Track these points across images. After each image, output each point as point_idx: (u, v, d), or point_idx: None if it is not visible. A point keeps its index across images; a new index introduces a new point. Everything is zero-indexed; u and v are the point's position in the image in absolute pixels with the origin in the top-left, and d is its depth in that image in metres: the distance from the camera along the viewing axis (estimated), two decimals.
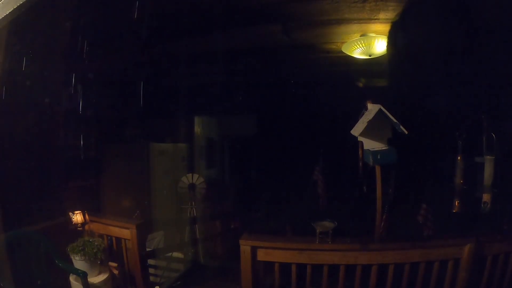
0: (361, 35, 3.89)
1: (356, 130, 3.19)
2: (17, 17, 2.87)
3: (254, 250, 3.27)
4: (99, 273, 3.78)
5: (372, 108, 3.17)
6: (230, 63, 4.68)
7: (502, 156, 3.22)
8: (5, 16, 2.76)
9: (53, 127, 4.21)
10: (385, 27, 3.78)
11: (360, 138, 3.18)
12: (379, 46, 3.88)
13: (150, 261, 4.35)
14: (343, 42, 4.06)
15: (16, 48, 3.41)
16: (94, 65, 4.21)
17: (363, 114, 3.26)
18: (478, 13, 3.36)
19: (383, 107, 3.12)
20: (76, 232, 3.98)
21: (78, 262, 3.66)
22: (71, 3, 3.57)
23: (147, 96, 4.87)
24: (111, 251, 4.11)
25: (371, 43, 3.88)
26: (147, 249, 4.27)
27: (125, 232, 3.98)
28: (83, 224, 4.05)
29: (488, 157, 3.23)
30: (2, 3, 2.70)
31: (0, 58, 3.26)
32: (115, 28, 3.92)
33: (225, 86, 4.87)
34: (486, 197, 3.21)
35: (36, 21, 3.26)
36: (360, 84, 4.50)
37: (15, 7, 2.72)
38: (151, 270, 4.38)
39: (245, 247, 3.28)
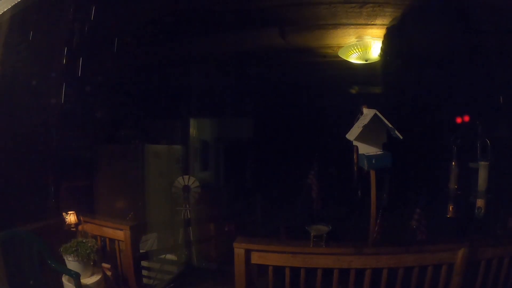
0: (357, 40, 3.92)
1: (352, 135, 3.20)
2: (16, 14, 2.88)
3: (248, 253, 3.27)
4: (92, 274, 3.76)
5: (368, 113, 3.19)
6: (226, 66, 4.70)
7: (496, 162, 3.25)
8: (4, 12, 2.76)
9: (48, 126, 4.19)
10: (382, 32, 3.80)
11: (355, 143, 3.19)
12: (375, 51, 3.91)
13: (144, 263, 4.34)
14: (339, 47, 4.08)
15: (14, 45, 3.40)
16: (91, 66, 4.21)
17: (358, 118, 3.27)
18: (474, 19, 3.40)
19: (378, 112, 3.13)
20: (69, 232, 3.97)
21: (71, 263, 3.64)
22: (70, 2, 3.56)
23: (142, 98, 4.87)
24: (105, 252, 4.09)
25: (367, 48, 3.90)
26: (141, 251, 4.25)
27: (119, 234, 3.97)
28: (77, 224, 4.03)
29: (482, 162, 3.26)
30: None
31: None
32: (111, 29, 3.92)
33: (221, 88, 4.88)
34: (480, 202, 3.24)
35: (33, 19, 3.26)
36: (353, 91, 4.52)
37: (15, 3, 2.72)
38: (144, 272, 4.36)
39: (239, 250, 3.27)
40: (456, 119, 3.70)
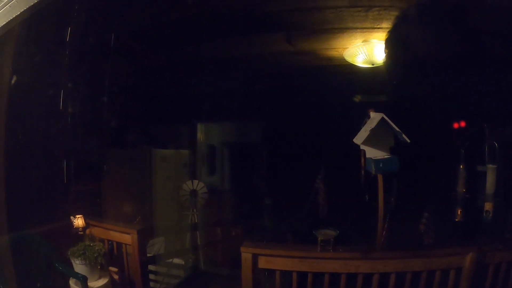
0: (363, 44, 3.91)
1: (359, 139, 3.20)
2: (23, 21, 2.92)
3: (255, 257, 3.26)
4: (99, 278, 3.79)
5: (375, 117, 3.18)
6: (233, 71, 4.71)
7: (504, 164, 3.23)
8: (12, 19, 2.80)
9: (56, 131, 4.23)
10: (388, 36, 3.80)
11: (362, 147, 3.18)
12: (381, 54, 3.90)
13: (151, 267, 4.34)
14: (345, 50, 4.08)
15: (22, 51, 3.45)
16: (98, 70, 4.24)
17: (365, 122, 3.26)
18: (480, 21, 3.39)
19: (386, 115, 3.13)
20: (77, 236, 4.00)
21: (79, 266, 3.66)
22: (78, 8, 3.60)
23: (150, 102, 4.90)
24: (112, 256, 4.11)
25: (373, 51, 3.90)
26: (148, 255, 4.26)
27: (126, 237, 3.98)
28: (84, 228, 4.06)
29: (490, 166, 3.24)
30: (9, 6, 2.74)
31: (7, 61, 3.30)
32: (119, 32, 3.95)
33: (228, 93, 4.89)
34: (488, 205, 3.21)
35: (41, 24, 3.30)
36: (357, 99, 4.50)
37: (22, 10, 2.76)
38: (151, 276, 4.37)
39: (246, 254, 3.27)
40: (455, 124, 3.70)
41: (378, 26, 3.67)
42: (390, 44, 3.75)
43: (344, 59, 4.10)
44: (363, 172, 3.29)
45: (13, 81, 3.51)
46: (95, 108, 4.41)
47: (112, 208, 4.74)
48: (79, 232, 4.03)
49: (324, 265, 3.20)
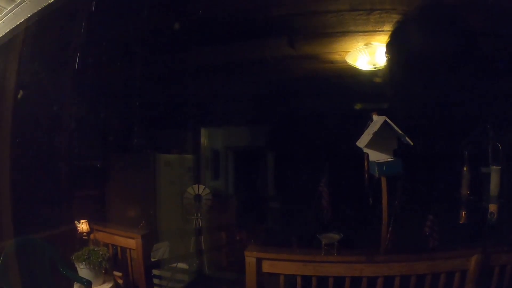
0: (365, 47, 3.92)
1: (362, 142, 3.19)
2: (29, 26, 2.96)
3: (259, 261, 3.26)
4: (104, 282, 3.79)
5: (378, 120, 3.18)
6: (236, 75, 4.72)
7: (508, 166, 3.22)
8: (17, 25, 2.83)
9: (61, 136, 4.26)
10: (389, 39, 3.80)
11: (365, 150, 3.18)
12: (383, 56, 3.90)
13: (155, 272, 4.35)
14: (347, 53, 4.08)
15: (27, 57, 3.48)
16: (103, 75, 4.27)
17: (368, 125, 3.26)
18: (481, 22, 3.39)
19: (388, 118, 3.12)
20: (81, 241, 4.01)
21: (83, 271, 3.67)
22: (81, 13, 3.63)
23: (154, 107, 4.92)
24: (116, 260, 4.11)
25: (374, 53, 3.90)
26: (152, 260, 4.26)
27: (131, 242, 4.00)
28: (88, 233, 4.08)
29: (494, 167, 3.23)
30: (13, 13, 2.77)
31: (13, 66, 3.33)
32: (123, 38, 3.98)
33: (231, 97, 4.90)
34: (492, 207, 3.20)
35: (45, 30, 3.34)
36: (357, 107, 4.50)
37: (27, 17, 2.79)
38: (155, 281, 4.38)
39: (250, 258, 3.27)
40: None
41: (380, 29, 3.68)
42: (394, 46, 3.76)
43: (346, 63, 4.11)
44: (366, 175, 3.28)
45: (19, 89, 3.55)
46: (100, 113, 4.44)
47: (116, 213, 4.76)
48: (84, 237, 4.05)
49: (328, 268, 3.19)
